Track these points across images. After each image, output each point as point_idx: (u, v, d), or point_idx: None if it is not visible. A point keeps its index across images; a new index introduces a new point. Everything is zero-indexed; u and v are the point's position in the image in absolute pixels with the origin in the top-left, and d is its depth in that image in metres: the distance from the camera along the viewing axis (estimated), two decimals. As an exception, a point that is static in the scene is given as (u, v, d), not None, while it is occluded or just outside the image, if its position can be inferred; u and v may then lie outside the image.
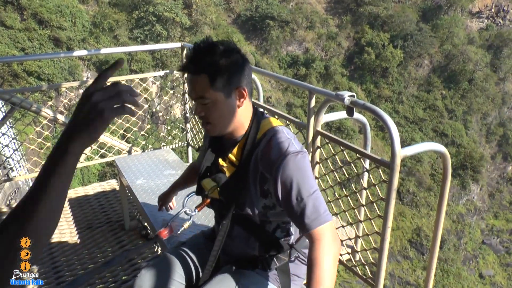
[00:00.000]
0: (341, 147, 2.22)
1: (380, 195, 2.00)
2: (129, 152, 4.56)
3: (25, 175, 5.48)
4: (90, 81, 4.41)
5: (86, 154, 4.52)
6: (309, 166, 1.61)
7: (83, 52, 4.32)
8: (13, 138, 4.26)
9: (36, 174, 4.31)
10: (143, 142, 4.67)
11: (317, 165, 2.38)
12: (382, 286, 2.08)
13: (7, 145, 4.07)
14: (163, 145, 4.57)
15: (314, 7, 39.21)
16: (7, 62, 22.50)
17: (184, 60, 4.24)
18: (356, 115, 2.23)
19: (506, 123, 41.11)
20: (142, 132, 4.70)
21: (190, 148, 4.57)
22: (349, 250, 2.40)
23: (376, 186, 2.11)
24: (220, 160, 1.73)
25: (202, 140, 2.04)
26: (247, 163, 1.64)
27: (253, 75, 2.58)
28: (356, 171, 2.26)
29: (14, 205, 4.26)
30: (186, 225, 1.95)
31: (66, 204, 4.26)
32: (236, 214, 1.70)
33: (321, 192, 1.62)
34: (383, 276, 2.05)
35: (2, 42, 22.71)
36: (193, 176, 2.25)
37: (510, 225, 37.94)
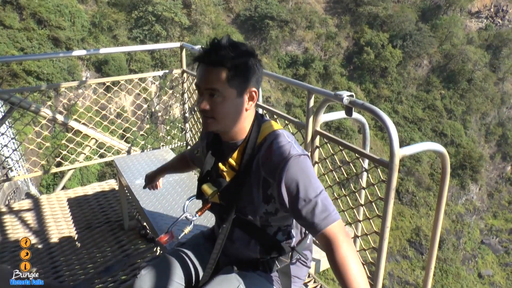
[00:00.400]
0: (340, 147, 2.22)
1: (379, 194, 2.01)
2: (128, 152, 4.56)
3: (24, 175, 5.48)
4: (90, 81, 4.43)
5: (85, 154, 4.52)
6: (312, 168, 1.61)
7: (82, 52, 4.32)
8: (12, 138, 4.26)
9: (35, 174, 4.31)
10: (142, 142, 4.68)
11: (316, 165, 2.38)
12: (381, 286, 2.08)
13: (6, 145, 4.07)
14: (162, 145, 4.58)
15: (313, 7, 39.21)
16: (6, 62, 22.48)
17: (184, 59, 4.24)
18: (355, 115, 2.24)
19: (505, 123, 41.13)
20: (141, 132, 4.70)
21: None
22: (348, 250, 2.40)
23: (375, 186, 2.11)
24: (220, 164, 1.71)
25: (199, 139, 2.01)
26: (247, 168, 1.62)
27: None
28: (355, 171, 2.27)
29: (13, 205, 4.26)
30: (186, 230, 1.94)
31: (66, 204, 4.26)
32: (237, 218, 1.70)
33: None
34: (382, 275, 2.06)
35: (1, 42, 22.69)
36: (182, 166, 2.33)
37: (509, 225, 37.96)
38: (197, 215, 1.87)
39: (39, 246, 3.60)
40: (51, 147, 6.28)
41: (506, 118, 41.39)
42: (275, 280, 1.81)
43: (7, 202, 7.94)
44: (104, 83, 4.44)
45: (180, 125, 4.67)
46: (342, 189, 2.45)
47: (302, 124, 2.41)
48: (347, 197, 2.32)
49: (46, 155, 4.81)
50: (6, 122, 4.24)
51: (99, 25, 28.11)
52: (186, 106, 4.36)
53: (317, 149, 2.37)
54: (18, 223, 3.94)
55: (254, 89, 1.61)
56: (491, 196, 39.38)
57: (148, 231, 3.68)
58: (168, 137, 4.65)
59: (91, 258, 3.45)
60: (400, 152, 1.85)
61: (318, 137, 2.34)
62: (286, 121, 2.61)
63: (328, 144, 2.32)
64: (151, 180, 2.44)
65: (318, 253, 2.42)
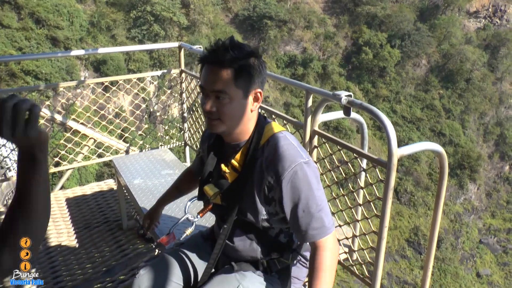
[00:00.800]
0: (339, 147, 2.22)
1: (377, 194, 2.01)
2: (127, 152, 4.56)
3: (22, 175, 5.47)
4: (88, 81, 4.43)
5: (84, 154, 4.52)
6: (316, 174, 1.62)
7: (80, 52, 4.32)
8: (10, 138, 4.25)
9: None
10: (141, 142, 4.67)
11: (315, 165, 2.38)
12: (379, 286, 2.09)
13: (4, 145, 4.06)
14: (161, 145, 4.57)
15: (312, 7, 39.20)
16: (5, 61, 22.41)
17: (182, 58, 4.24)
18: (354, 114, 2.24)
19: (503, 122, 41.16)
20: (140, 132, 4.70)
21: (187, 148, 4.57)
22: (346, 250, 2.41)
23: (373, 186, 2.12)
24: (222, 165, 1.70)
25: (199, 143, 2.00)
26: (250, 170, 1.63)
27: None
28: (353, 171, 2.27)
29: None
30: (188, 231, 1.93)
31: (64, 204, 4.26)
32: (238, 218, 1.70)
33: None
34: (380, 275, 2.06)
35: (-1, 42, 22.67)
36: (187, 185, 2.21)
37: (507, 225, 38.00)
38: (198, 216, 1.87)
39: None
40: (49, 147, 6.26)
41: (504, 118, 41.42)
42: (275, 280, 1.81)
43: (5, 202, 7.93)
44: (102, 83, 4.43)
45: (178, 125, 4.67)
46: (341, 189, 2.45)
47: (301, 124, 2.41)
48: (345, 196, 2.32)
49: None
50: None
51: (98, 25, 28.06)
52: (185, 106, 4.36)
53: (316, 149, 2.37)
54: (17, 223, 3.93)
55: (259, 90, 1.62)
56: (489, 195, 39.41)
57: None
58: (167, 137, 4.65)
59: (90, 258, 3.44)
60: (399, 152, 1.85)
61: (316, 137, 2.34)
62: (284, 121, 2.61)
63: (326, 144, 2.33)
64: (152, 218, 2.24)
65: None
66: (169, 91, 4.65)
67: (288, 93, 35.08)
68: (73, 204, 4.26)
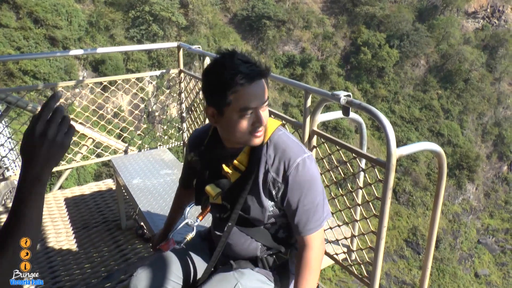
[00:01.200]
0: (337, 147, 2.22)
1: (376, 194, 2.01)
2: (126, 151, 4.55)
3: (20, 175, 5.46)
4: (87, 80, 4.42)
5: (82, 153, 4.51)
6: (316, 168, 1.67)
7: (79, 51, 4.32)
8: (8, 137, 4.25)
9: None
10: (140, 142, 4.67)
11: (313, 165, 2.38)
12: (378, 286, 2.09)
13: (2, 144, 4.05)
14: (160, 145, 4.57)
15: (310, 7, 39.22)
16: (3, 61, 22.33)
17: (181, 58, 4.23)
18: (352, 114, 2.24)
19: (501, 122, 41.22)
20: (139, 132, 4.70)
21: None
22: (345, 250, 2.41)
23: (372, 186, 2.12)
24: (224, 166, 1.70)
25: (186, 151, 1.98)
26: (255, 169, 1.64)
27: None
28: (352, 171, 2.27)
29: (9, 204, 4.25)
30: (189, 237, 1.92)
31: (62, 204, 4.25)
32: (239, 217, 1.71)
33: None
34: (379, 275, 2.06)
35: (-3, 41, 22.64)
36: (187, 199, 2.17)
37: (505, 225, 38.06)
38: (198, 220, 1.86)
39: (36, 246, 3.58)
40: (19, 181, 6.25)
41: (502, 118, 41.48)
42: (274, 277, 1.82)
43: (3, 202, 7.91)
44: (101, 83, 4.43)
45: (177, 124, 4.67)
46: (339, 189, 2.45)
47: (299, 124, 2.41)
48: (344, 197, 2.32)
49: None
50: (3, 122, 4.23)
51: (96, 25, 28.05)
52: (183, 105, 4.35)
53: (314, 149, 2.37)
54: (15, 223, 3.92)
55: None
56: (487, 195, 39.46)
57: (145, 231, 3.68)
58: (165, 137, 4.65)
59: (88, 258, 3.44)
60: (397, 152, 1.85)
61: (315, 137, 2.34)
62: (283, 121, 2.61)
63: (325, 144, 2.33)
64: (163, 238, 2.15)
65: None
66: (167, 91, 4.65)
67: (286, 93, 35.09)
68: (72, 204, 4.26)
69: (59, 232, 3.81)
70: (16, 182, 9.79)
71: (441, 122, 39.00)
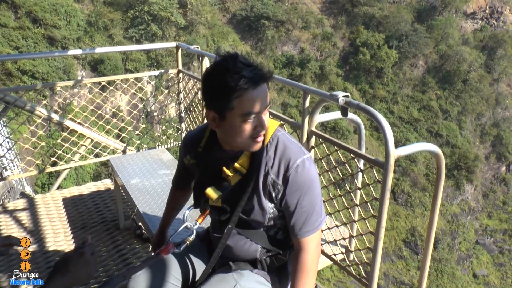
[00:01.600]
0: (336, 147, 2.22)
1: (374, 195, 2.01)
2: (124, 151, 4.55)
3: (18, 174, 5.45)
4: (85, 80, 4.41)
5: (80, 153, 4.51)
6: (315, 170, 1.67)
7: (78, 51, 4.31)
8: (6, 137, 4.24)
9: (30, 173, 4.29)
10: (138, 142, 4.67)
11: (312, 165, 2.38)
12: (376, 286, 2.09)
13: (0, 144, 4.05)
14: (158, 145, 4.57)
15: (309, 7, 39.23)
16: (1, 60, 22.32)
17: (180, 58, 4.23)
18: (351, 115, 2.24)
19: (500, 123, 41.28)
20: (137, 132, 4.70)
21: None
22: (343, 250, 2.41)
23: (370, 186, 2.11)
24: (224, 168, 1.69)
25: (180, 153, 1.96)
26: (257, 171, 1.63)
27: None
28: (350, 171, 2.27)
29: (7, 204, 4.24)
30: (188, 240, 1.91)
31: (61, 203, 4.25)
32: (240, 219, 1.70)
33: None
34: (377, 275, 2.06)
35: (-4, 41, 22.61)
36: (181, 199, 2.19)
37: (503, 225, 38.12)
38: (197, 223, 1.85)
39: (34, 246, 3.58)
40: (46, 147, 6.26)
41: (501, 119, 41.54)
42: (272, 278, 1.82)
43: (1, 202, 7.91)
44: (99, 83, 4.43)
45: (175, 124, 4.66)
46: (338, 189, 2.45)
47: (298, 124, 2.41)
48: (342, 197, 2.32)
49: (41, 155, 4.79)
50: (1, 121, 4.23)
51: (95, 25, 28.02)
52: (182, 106, 4.35)
53: (313, 150, 2.37)
54: (13, 223, 3.92)
55: None
56: (486, 196, 39.52)
57: (143, 231, 3.68)
58: (164, 137, 4.65)
59: (86, 258, 3.43)
60: (396, 153, 1.85)
61: (313, 137, 2.34)
62: (281, 122, 2.61)
63: (323, 145, 2.33)
64: (160, 243, 2.20)
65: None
66: (166, 91, 4.65)
67: (285, 94, 35.09)
68: (70, 204, 4.25)
69: (57, 232, 3.80)
70: (14, 182, 9.78)
71: (439, 123, 39.04)
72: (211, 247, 1.93)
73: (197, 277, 1.85)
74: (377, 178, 1.95)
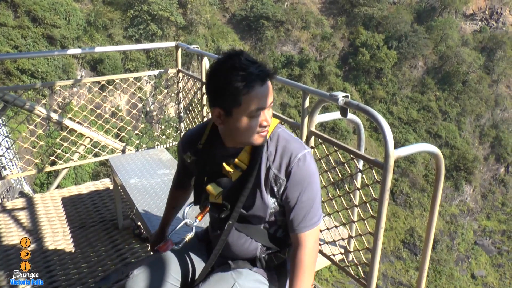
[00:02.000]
0: (335, 148, 2.22)
1: (374, 195, 2.01)
2: (123, 151, 4.55)
3: (17, 174, 5.46)
4: (84, 80, 4.42)
5: (80, 153, 4.50)
6: (314, 165, 1.68)
7: (77, 51, 4.31)
8: (5, 136, 4.24)
9: (29, 173, 4.29)
10: (137, 141, 4.67)
11: (311, 165, 2.38)
12: (375, 286, 2.09)
13: (-1, 143, 4.05)
14: (157, 144, 4.57)
15: (309, 8, 39.22)
16: (0, 59, 22.37)
17: (179, 58, 4.23)
18: (350, 115, 2.24)
19: (499, 124, 41.30)
20: (136, 131, 4.70)
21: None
22: (342, 250, 2.41)
23: (370, 187, 2.12)
24: (224, 165, 1.70)
25: (180, 151, 1.96)
26: (257, 167, 1.64)
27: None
28: (349, 172, 2.27)
29: (6, 203, 4.24)
30: (187, 237, 1.91)
31: (60, 203, 4.24)
32: (240, 215, 1.70)
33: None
34: (376, 276, 2.06)
35: (-5, 40, 22.59)
36: (181, 198, 2.19)
37: (502, 226, 38.14)
38: (197, 220, 1.85)
39: (33, 246, 3.58)
40: (45, 146, 6.26)
41: (500, 120, 41.57)
42: (271, 276, 1.82)
43: (0, 201, 7.90)
44: (99, 82, 4.42)
45: (175, 124, 4.66)
46: (337, 189, 2.45)
47: (297, 124, 2.41)
48: (341, 197, 2.32)
49: (40, 154, 4.78)
50: (0, 120, 4.22)
51: (95, 24, 27.99)
52: (181, 105, 4.35)
53: (312, 150, 2.37)
54: (11, 222, 3.92)
55: None
56: (484, 197, 39.54)
57: (142, 231, 3.67)
58: (163, 137, 4.65)
59: (85, 257, 3.43)
60: (395, 153, 1.86)
61: (313, 137, 2.34)
62: (281, 122, 2.61)
63: (323, 145, 2.33)
64: (160, 239, 2.18)
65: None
66: (165, 91, 4.65)
67: (284, 94, 35.09)
68: (69, 203, 4.25)
69: (56, 231, 3.80)
70: (13, 181, 9.77)
71: (438, 124, 39.05)
72: (210, 246, 1.92)
73: (196, 276, 1.85)
74: (376, 178, 1.95)
